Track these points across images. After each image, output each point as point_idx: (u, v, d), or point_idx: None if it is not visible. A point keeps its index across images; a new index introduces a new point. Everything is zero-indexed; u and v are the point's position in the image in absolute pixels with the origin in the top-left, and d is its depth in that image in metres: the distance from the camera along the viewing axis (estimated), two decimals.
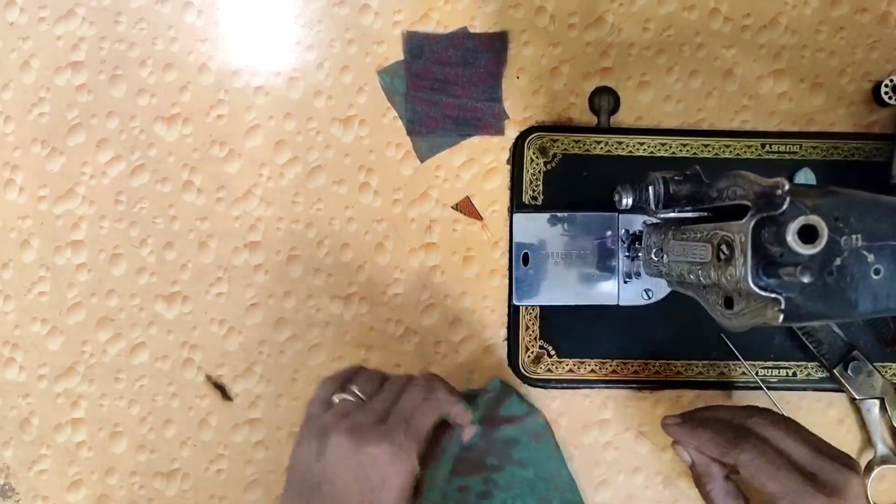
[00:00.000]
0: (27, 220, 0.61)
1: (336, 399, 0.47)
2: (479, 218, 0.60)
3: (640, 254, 0.54)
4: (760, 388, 0.59)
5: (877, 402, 0.58)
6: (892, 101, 0.58)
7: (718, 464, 0.49)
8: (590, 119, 0.60)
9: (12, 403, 0.61)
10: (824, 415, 0.60)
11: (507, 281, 0.60)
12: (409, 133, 0.60)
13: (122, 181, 0.61)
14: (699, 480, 0.50)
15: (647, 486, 0.60)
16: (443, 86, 0.60)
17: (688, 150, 0.59)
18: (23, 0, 0.60)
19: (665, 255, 0.50)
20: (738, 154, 0.59)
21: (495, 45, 0.60)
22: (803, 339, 0.58)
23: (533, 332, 0.59)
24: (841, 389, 0.58)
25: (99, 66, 0.60)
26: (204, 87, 0.60)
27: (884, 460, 0.58)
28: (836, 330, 0.58)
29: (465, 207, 0.59)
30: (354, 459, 0.43)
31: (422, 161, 0.60)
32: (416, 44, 0.60)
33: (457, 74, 0.60)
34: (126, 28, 0.60)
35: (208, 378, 0.61)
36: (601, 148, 0.59)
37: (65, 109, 0.60)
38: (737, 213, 0.41)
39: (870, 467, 0.58)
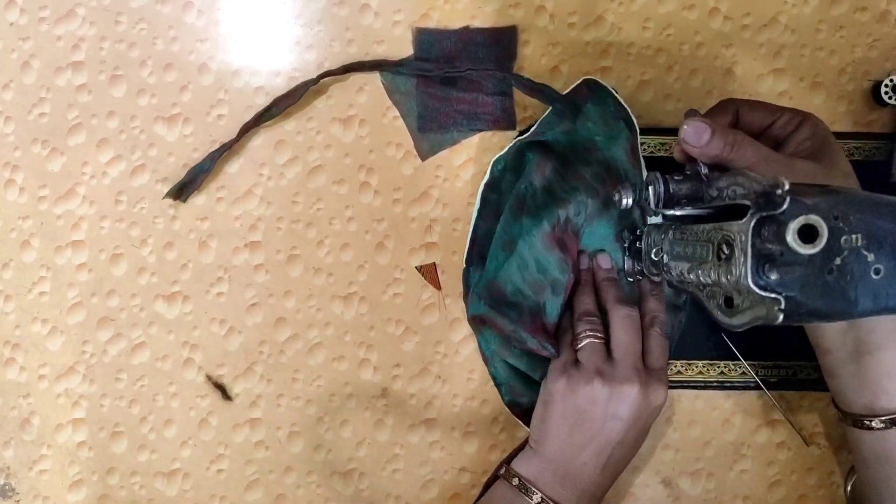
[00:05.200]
0: (28, 220, 0.61)
1: (579, 347, 0.53)
2: (438, 287, 0.60)
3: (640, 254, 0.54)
4: (760, 388, 0.59)
5: None
6: (891, 101, 0.58)
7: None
8: None
9: (13, 403, 0.61)
10: (825, 414, 0.60)
11: None
12: (420, 129, 0.60)
13: (122, 181, 0.61)
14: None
15: (647, 486, 0.60)
16: (453, 81, 0.60)
17: None
18: (23, 0, 0.60)
19: (665, 255, 0.50)
20: None
21: (504, 40, 0.60)
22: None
23: None
24: None
25: (99, 66, 0.60)
26: (204, 87, 0.60)
27: None
28: None
29: (429, 273, 0.60)
30: (607, 399, 0.51)
31: (423, 160, 0.60)
32: (426, 40, 0.60)
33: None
34: (126, 28, 0.60)
35: (209, 378, 0.61)
36: None
37: (65, 109, 0.61)
38: (737, 212, 0.41)
39: (853, 471, 0.58)
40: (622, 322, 0.53)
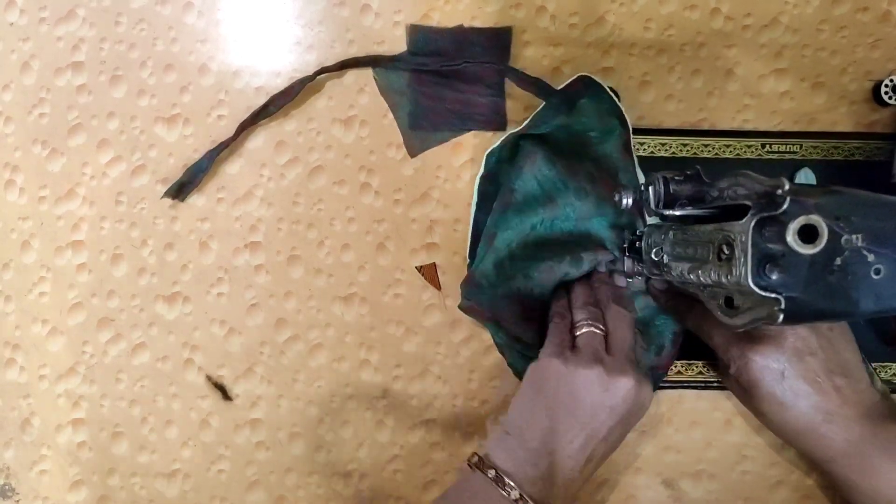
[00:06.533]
0: (28, 221, 0.61)
1: (579, 333, 0.51)
2: (439, 287, 0.60)
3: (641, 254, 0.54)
4: None
5: None
6: (892, 101, 0.58)
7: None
8: None
9: (13, 404, 0.61)
10: None
11: None
12: (411, 127, 0.60)
13: (122, 182, 0.61)
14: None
15: (648, 487, 0.60)
16: (446, 80, 0.60)
17: (688, 150, 0.59)
18: (23, 1, 0.60)
19: (665, 255, 0.50)
20: (738, 154, 0.59)
21: (499, 40, 0.60)
22: None
23: None
24: None
25: (99, 66, 0.60)
26: (204, 87, 0.60)
27: None
28: None
29: (429, 274, 0.60)
30: (604, 387, 0.49)
31: (412, 156, 0.60)
32: (420, 38, 0.60)
33: (461, 69, 0.59)
34: (126, 29, 0.60)
35: (209, 379, 0.61)
36: None
37: (65, 110, 0.61)
38: (737, 212, 0.41)
39: None
40: (621, 319, 0.52)
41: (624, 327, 0.52)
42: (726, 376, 0.54)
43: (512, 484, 0.47)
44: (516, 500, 0.47)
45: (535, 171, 0.56)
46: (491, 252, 0.56)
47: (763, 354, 0.50)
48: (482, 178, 0.58)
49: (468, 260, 0.58)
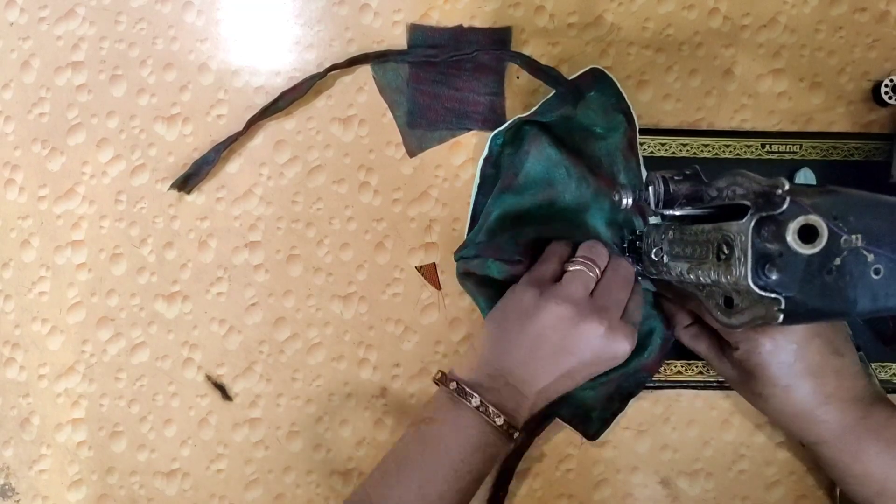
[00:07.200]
0: (27, 220, 0.61)
1: (570, 269, 0.51)
2: (438, 287, 0.60)
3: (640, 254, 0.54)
4: None
5: None
6: (891, 101, 0.58)
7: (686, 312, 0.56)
8: None
9: (13, 403, 0.61)
10: None
11: None
12: (409, 125, 0.60)
13: (122, 181, 0.61)
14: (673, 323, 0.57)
15: (646, 486, 0.60)
16: (445, 79, 0.60)
17: (687, 150, 0.59)
18: (23, 0, 0.60)
19: (665, 255, 0.50)
20: (737, 154, 0.59)
21: (499, 40, 0.60)
22: None
23: None
24: None
25: (99, 65, 0.60)
26: (204, 86, 0.60)
27: None
28: None
29: (428, 273, 0.60)
30: (571, 327, 0.49)
31: (411, 155, 0.60)
32: (420, 36, 0.60)
33: (459, 68, 0.60)
34: (126, 28, 0.60)
35: (208, 377, 0.61)
36: None
37: (65, 109, 0.61)
38: (736, 212, 0.41)
39: None
40: (619, 270, 0.52)
41: (620, 277, 0.51)
42: (723, 360, 0.53)
43: (472, 392, 0.49)
44: (478, 407, 0.48)
45: (540, 155, 0.56)
46: (485, 226, 0.57)
47: (773, 339, 0.50)
48: (485, 160, 0.58)
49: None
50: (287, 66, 0.60)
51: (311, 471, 0.61)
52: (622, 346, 0.50)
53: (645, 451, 0.60)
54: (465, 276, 0.57)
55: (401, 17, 0.60)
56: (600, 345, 0.49)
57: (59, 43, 0.60)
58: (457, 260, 0.56)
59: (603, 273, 0.52)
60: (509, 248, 0.54)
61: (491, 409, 0.48)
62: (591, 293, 0.50)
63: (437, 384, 0.51)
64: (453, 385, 0.50)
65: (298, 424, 0.61)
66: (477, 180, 0.58)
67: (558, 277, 0.51)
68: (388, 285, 0.60)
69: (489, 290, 0.56)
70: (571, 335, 0.49)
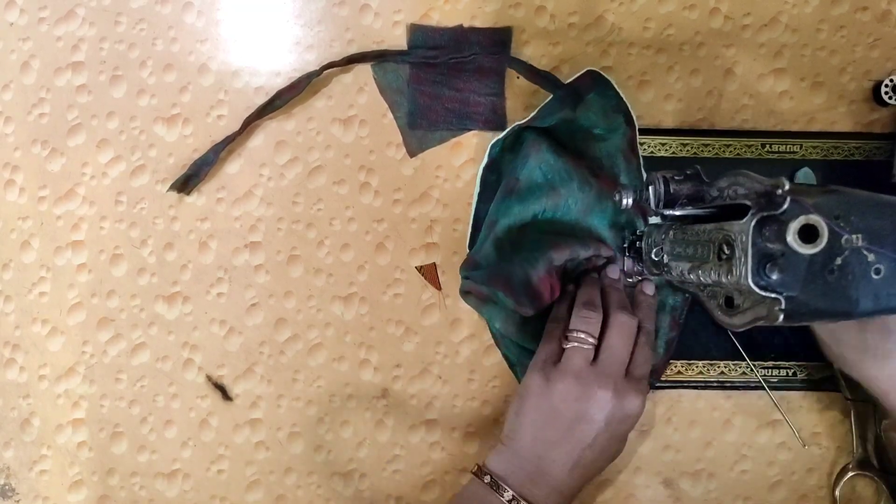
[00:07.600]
0: (27, 221, 0.61)
1: (566, 347, 0.52)
2: (439, 287, 0.60)
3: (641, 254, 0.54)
4: (762, 387, 0.59)
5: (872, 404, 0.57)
6: (892, 101, 0.58)
7: None
8: None
9: (13, 404, 0.61)
10: (824, 415, 0.60)
11: None
12: (410, 126, 0.60)
13: (122, 181, 0.61)
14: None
15: (648, 486, 0.60)
16: (445, 79, 0.60)
17: (688, 150, 0.59)
18: (23, 1, 0.60)
19: (665, 255, 0.50)
20: (738, 154, 0.59)
21: (499, 40, 0.60)
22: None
23: None
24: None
25: (99, 66, 0.60)
26: (204, 87, 0.60)
27: (860, 465, 0.58)
28: None
29: (429, 273, 0.60)
30: (580, 400, 0.51)
31: (411, 156, 0.60)
32: (420, 37, 0.60)
33: (460, 69, 0.59)
34: (126, 29, 0.60)
35: (209, 379, 0.61)
36: None
37: (65, 110, 0.60)
38: (737, 212, 0.41)
39: (844, 471, 0.58)
40: (620, 328, 0.52)
41: (621, 336, 0.52)
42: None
43: (505, 486, 0.51)
44: (510, 500, 0.50)
45: (540, 161, 0.56)
46: (492, 237, 0.56)
47: None
48: (485, 167, 0.58)
49: (468, 250, 0.58)
50: (287, 66, 0.60)
51: (312, 472, 0.60)
52: (632, 404, 0.51)
53: (647, 451, 0.60)
54: (467, 293, 0.57)
55: (401, 18, 0.60)
56: (611, 408, 0.50)
57: (59, 44, 0.60)
58: (464, 277, 0.56)
59: (603, 335, 0.52)
60: (519, 287, 0.54)
61: (523, 502, 0.50)
62: (595, 360, 0.52)
63: (473, 475, 0.53)
64: (487, 478, 0.52)
65: (299, 425, 0.61)
66: (477, 188, 0.58)
67: (558, 357, 0.53)
68: (389, 286, 0.60)
69: (492, 305, 0.57)
70: (582, 406, 0.50)
